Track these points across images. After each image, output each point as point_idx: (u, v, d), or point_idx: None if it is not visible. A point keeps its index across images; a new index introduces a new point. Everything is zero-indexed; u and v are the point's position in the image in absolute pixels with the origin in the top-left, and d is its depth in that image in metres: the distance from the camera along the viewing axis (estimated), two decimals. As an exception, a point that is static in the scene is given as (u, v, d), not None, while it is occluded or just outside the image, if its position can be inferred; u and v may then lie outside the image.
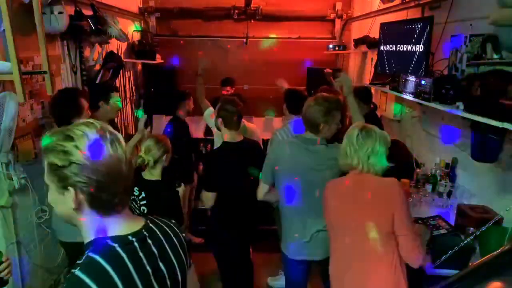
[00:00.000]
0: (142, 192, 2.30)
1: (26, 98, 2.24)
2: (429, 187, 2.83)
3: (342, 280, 1.86)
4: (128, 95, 4.67)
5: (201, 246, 3.14)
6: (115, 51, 3.96)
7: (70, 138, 0.90)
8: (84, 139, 0.90)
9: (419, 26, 2.91)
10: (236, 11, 5.38)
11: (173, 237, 1.09)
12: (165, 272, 1.02)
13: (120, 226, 0.97)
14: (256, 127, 3.63)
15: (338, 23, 5.59)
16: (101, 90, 2.97)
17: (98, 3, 3.41)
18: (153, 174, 2.37)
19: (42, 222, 2.54)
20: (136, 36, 5.00)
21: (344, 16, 5.50)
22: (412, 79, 2.72)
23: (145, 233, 1.01)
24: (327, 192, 1.94)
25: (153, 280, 0.98)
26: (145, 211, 2.28)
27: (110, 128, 0.96)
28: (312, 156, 2.20)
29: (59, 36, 2.93)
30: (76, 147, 0.89)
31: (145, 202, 2.30)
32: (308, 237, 2.26)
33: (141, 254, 0.97)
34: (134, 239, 0.97)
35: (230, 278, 2.77)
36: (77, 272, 0.88)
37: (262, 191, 2.36)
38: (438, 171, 2.81)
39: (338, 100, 2.29)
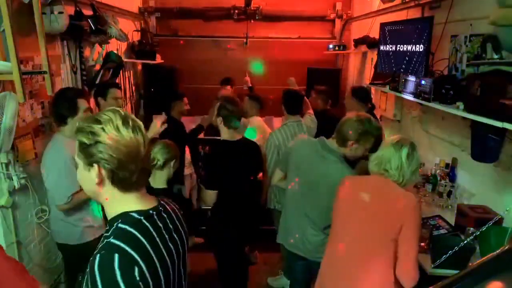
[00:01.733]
0: None
1: (26, 98, 2.24)
2: (429, 187, 2.83)
3: (336, 284, 1.86)
4: (128, 95, 4.67)
5: (201, 246, 3.14)
6: (115, 51, 3.95)
7: (98, 122, 1.05)
8: (109, 122, 1.05)
9: (419, 26, 2.91)
10: (236, 11, 5.38)
11: (178, 213, 1.27)
12: (178, 241, 1.19)
13: (140, 202, 1.12)
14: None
15: (338, 23, 5.59)
16: (100, 88, 3.07)
17: (98, 3, 3.41)
18: (159, 181, 2.31)
19: (42, 222, 2.54)
20: (136, 36, 5.01)
21: (344, 16, 5.50)
22: (412, 79, 2.72)
23: (160, 208, 1.17)
24: (343, 186, 1.91)
25: (170, 246, 1.15)
26: None
27: (133, 117, 1.11)
28: (323, 164, 2.19)
29: (59, 36, 2.92)
30: (102, 129, 1.04)
31: None
32: (300, 234, 2.30)
33: (160, 225, 1.14)
34: (154, 213, 1.13)
35: (230, 277, 2.77)
36: (112, 240, 1.03)
37: (276, 177, 2.54)
38: (438, 171, 2.81)
39: (379, 128, 2.26)
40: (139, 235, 1.06)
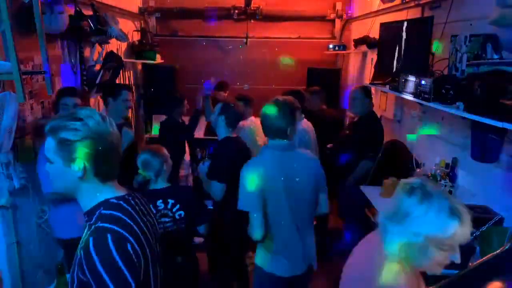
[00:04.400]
0: (169, 201, 2.24)
1: (26, 98, 2.24)
2: (429, 187, 2.82)
3: None
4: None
5: (201, 245, 3.14)
6: (115, 51, 3.96)
7: (77, 119, 1.11)
8: (90, 118, 1.11)
9: (419, 26, 2.90)
10: (236, 11, 5.38)
11: (142, 200, 1.33)
12: (149, 223, 1.27)
13: (116, 190, 1.22)
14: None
15: (338, 23, 5.58)
16: (111, 88, 3.08)
17: (98, 3, 3.41)
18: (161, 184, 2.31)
19: (42, 222, 2.54)
20: (136, 36, 5.01)
21: (344, 16, 5.50)
22: (412, 79, 2.72)
23: (131, 194, 1.27)
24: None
25: (148, 225, 1.25)
26: (183, 215, 2.25)
27: (103, 113, 1.19)
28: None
29: (59, 36, 2.93)
30: (86, 124, 1.10)
31: (178, 206, 2.25)
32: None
33: (136, 208, 1.23)
34: (130, 198, 1.23)
35: (228, 277, 2.78)
36: (100, 224, 1.11)
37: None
38: (438, 171, 2.80)
39: (293, 101, 2.16)
40: (123, 216, 1.15)
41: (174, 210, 2.24)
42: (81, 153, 1.11)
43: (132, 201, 1.22)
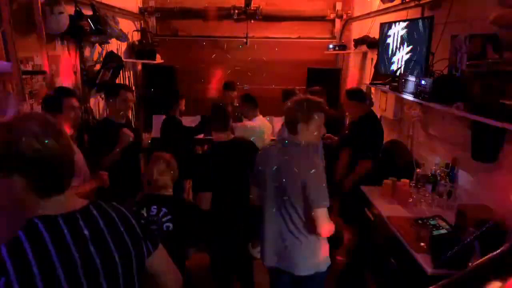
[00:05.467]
0: (162, 209, 2.21)
1: (26, 98, 2.24)
2: (429, 187, 2.82)
3: None
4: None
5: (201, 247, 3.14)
6: (115, 51, 3.96)
7: (13, 131, 0.98)
8: (26, 131, 0.97)
9: (419, 26, 2.91)
10: (236, 11, 5.38)
11: (119, 223, 1.10)
12: (96, 257, 1.03)
13: (53, 207, 1.02)
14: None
15: (338, 23, 5.58)
16: (110, 88, 3.07)
17: (98, 3, 3.41)
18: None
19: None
20: (136, 36, 5.01)
21: (344, 16, 5.50)
22: (412, 79, 2.72)
23: (77, 215, 1.04)
24: None
25: (78, 266, 0.99)
26: (171, 229, 2.18)
27: (53, 121, 1.04)
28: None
29: (59, 36, 2.93)
30: (19, 138, 0.96)
31: (169, 217, 2.20)
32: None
33: (67, 235, 1.00)
34: (61, 219, 1.01)
35: (225, 279, 2.78)
36: (2, 246, 0.95)
37: None
38: (438, 171, 2.80)
39: (321, 101, 2.15)
40: (26, 245, 0.95)
41: (163, 220, 2.19)
42: (12, 168, 0.98)
43: (64, 225, 1.00)
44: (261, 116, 3.83)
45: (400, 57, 3.21)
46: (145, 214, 2.17)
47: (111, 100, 2.92)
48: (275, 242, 2.17)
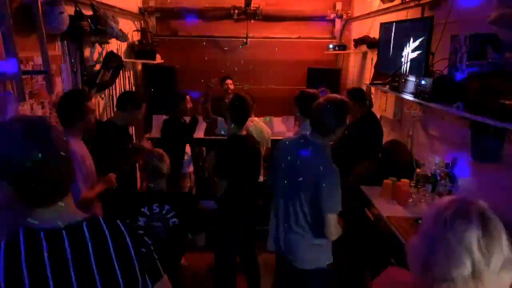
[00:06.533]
0: (165, 206, 2.22)
1: (26, 98, 2.24)
2: (429, 187, 2.82)
3: None
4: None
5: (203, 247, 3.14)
6: (115, 51, 3.95)
7: None
8: (9, 137, 0.90)
9: (419, 26, 2.90)
10: (236, 11, 5.38)
11: (111, 250, 0.97)
12: (74, 284, 0.91)
13: (41, 219, 0.94)
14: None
15: (338, 23, 5.58)
16: (136, 100, 3.04)
17: (98, 3, 3.41)
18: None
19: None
20: (136, 36, 5.00)
21: (344, 16, 5.50)
22: (412, 79, 2.72)
23: (62, 231, 0.93)
24: None
25: (51, 286, 0.89)
26: (177, 223, 2.21)
27: (43, 127, 0.94)
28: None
29: (59, 36, 2.92)
30: (2, 143, 0.89)
31: (173, 213, 2.23)
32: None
33: (45, 253, 0.90)
34: (43, 234, 0.92)
35: (228, 276, 2.79)
36: None
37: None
38: (438, 171, 2.80)
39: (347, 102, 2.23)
40: (1, 258, 0.88)
41: (168, 216, 2.21)
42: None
43: (44, 240, 0.92)
44: (250, 120, 3.72)
45: (400, 57, 3.20)
46: (148, 213, 2.20)
47: (130, 108, 2.94)
48: (281, 231, 2.29)
